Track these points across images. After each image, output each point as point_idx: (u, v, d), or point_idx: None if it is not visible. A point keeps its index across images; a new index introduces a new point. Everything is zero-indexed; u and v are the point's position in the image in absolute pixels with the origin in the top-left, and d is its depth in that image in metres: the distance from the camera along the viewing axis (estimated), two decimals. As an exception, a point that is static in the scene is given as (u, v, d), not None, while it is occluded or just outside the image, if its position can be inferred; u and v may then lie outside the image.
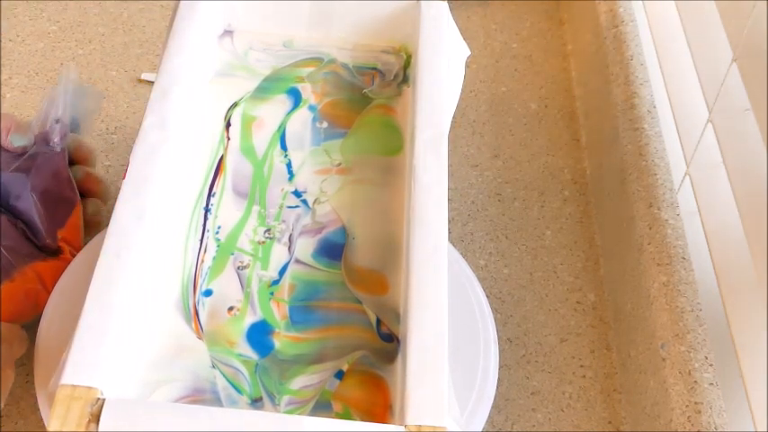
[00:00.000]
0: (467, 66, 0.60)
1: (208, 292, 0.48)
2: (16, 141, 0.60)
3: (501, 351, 0.63)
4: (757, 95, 0.53)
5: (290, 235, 0.51)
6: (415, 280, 0.44)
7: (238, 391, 0.44)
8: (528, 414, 0.61)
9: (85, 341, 0.40)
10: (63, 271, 0.59)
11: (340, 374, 0.45)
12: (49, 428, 0.38)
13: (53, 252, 0.60)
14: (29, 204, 0.58)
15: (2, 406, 0.53)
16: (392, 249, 0.50)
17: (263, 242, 0.50)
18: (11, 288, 0.56)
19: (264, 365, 0.45)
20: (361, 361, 0.46)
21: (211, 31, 0.59)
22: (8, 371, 0.53)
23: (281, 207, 0.52)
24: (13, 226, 0.58)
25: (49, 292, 0.58)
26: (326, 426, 0.39)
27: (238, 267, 0.49)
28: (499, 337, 0.63)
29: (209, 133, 0.55)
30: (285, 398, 0.44)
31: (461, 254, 0.68)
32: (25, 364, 0.59)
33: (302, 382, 0.45)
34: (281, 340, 0.46)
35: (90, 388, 0.39)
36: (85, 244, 0.61)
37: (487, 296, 0.64)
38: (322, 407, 0.44)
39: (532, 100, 0.83)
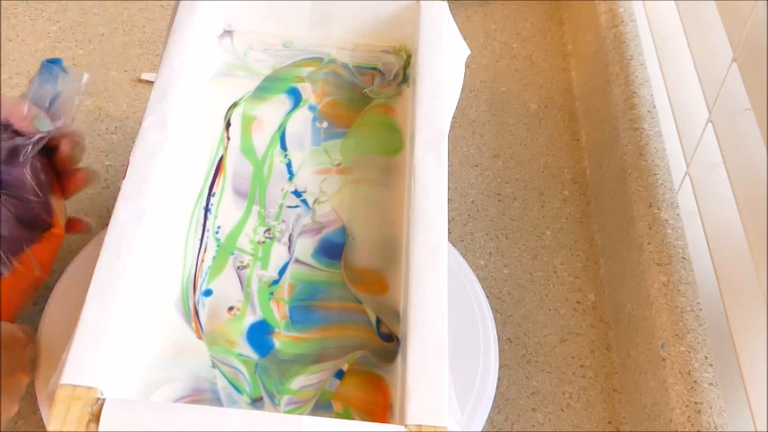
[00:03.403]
0: (467, 66, 0.60)
1: (208, 292, 0.48)
2: (44, 126, 0.57)
3: (501, 351, 0.63)
4: (757, 95, 0.54)
5: (290, 235, 0.51)
6: (415, 280, 0.44)
7: (238, 390, 0.44)
8: (528, 414, 0.61)
9: (85, 341, 0.40)
10: (57, 248, 0.57)
11: (340, 374, 0.45)
12: (49, 428, 0.38)
13: (46, 226, 0.57)
14: (21, 173, 0.55)
15: (16, 411, 0.51)
16: (392, 249, 0.50)
17: (263, 242, 0.50)
18: (12, 281, 0.55)
19: (264, 365, 0.45)
20: (361, 361, 0.46)
21: (211, 31, 0.59)
22: (21, 374, 0.52)
23: (281, 207, 0.52)
24: (5, 209, 0.55)
25: (47, 273, 0.57)
26: (326, 426, 0.39)
27: (238, 267, 0.49)
28: (499, 337, 0.63)
29: (209, 133, 0.55)
30: (285, 398, 0.44)
31: (461, 254, 0.68)
32: (25, 364, 0.59)
33: (302, 381, 0.45)
34: (281, 340, 0.46)
35: (90, 388, 0.39)
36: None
37: (487, 296, 0.64)
38: (322, 407, 0.44)
39: (532, 100, 0.83)
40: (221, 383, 0.44)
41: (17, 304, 0.56)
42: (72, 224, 0.62)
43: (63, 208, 0.60)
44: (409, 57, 0.60)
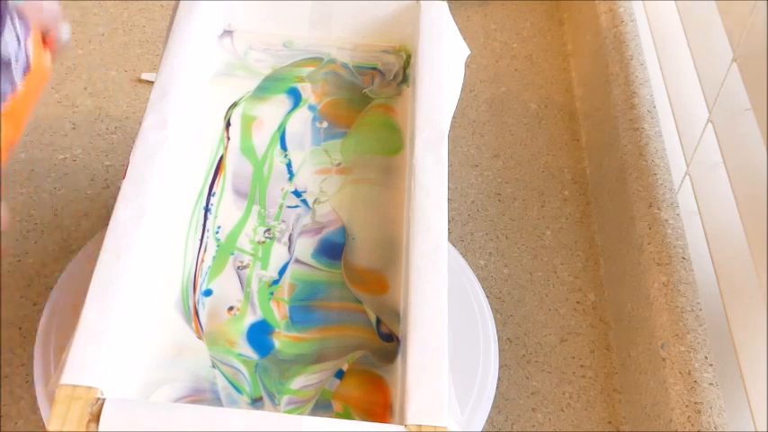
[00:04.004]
0: (467, 66, 0.60)
1: (208, 292, 0.48)
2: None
3: (501, 351, 0.63)
4: (757, 95, 0.54)
5: (290, 235, 0.51)
6: (415, 280, 0.44)
7: (238, 390, 0.44)
8: (528, 414, 0.61)
9: (85, 341, 0.40)
10: (31, 101, 0.50)
11: (340, 374, 0.45)
12: (48, 428, 0.38)
13: (24, 70, 0.49)
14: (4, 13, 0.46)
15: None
16: (392, 249, 0.50)
17: (263, 242, 0.50)
18: None
19: (264, 365, 0.45)
20: (361, 361, 0.46)
21: (211, 31, 0.59)
22: None
23: (280, 207, 0.52)
24: None
25: (19, 133, 0.49)
26: (326, 426, 0.39)
27: (238, 267, 0.49)
28: (499, 337, 0.63)
29: (209, 133, 0.55)
30: (285, 398, 0.44)
31: (461, 254, 0.68)
32: (25, 365, 0.60)
33: (302, 381, 0.45)
34: (281, 340, 0.46)
35: (90, 388, 0.39)
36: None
37: (487, 296, 0.64)
38: (322, 407, 0.44)
39: (532, 100, 0.83)
40: (221, 383, 0.44)
41: None
42: (46, 40, 0.53)
43: (40, 51, 0.52)
44: (409, 57, 0.60)
